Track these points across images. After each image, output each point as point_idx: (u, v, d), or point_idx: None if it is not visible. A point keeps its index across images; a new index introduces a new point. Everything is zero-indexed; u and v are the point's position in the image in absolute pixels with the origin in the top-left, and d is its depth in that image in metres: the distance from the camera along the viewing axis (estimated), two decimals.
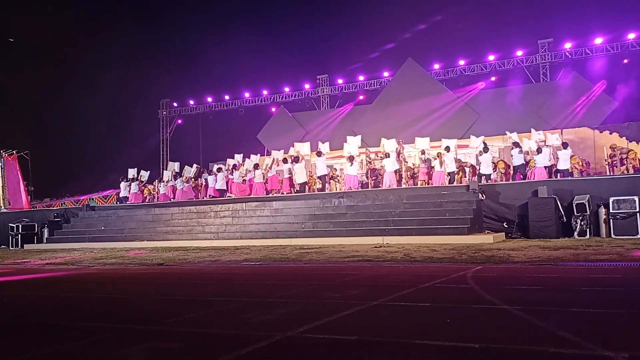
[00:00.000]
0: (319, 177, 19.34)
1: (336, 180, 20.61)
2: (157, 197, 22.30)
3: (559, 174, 16.43)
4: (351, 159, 18.56)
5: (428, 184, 17.71)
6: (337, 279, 8.23)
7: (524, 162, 17.15)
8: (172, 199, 21.51)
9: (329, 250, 12.89)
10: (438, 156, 17.71)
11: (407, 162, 19.56)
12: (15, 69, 30.61)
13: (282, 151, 21.73)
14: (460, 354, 3.71)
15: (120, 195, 23.14)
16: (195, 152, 34.03)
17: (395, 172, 18.28)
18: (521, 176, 17.03)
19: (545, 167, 16.58)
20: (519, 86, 26.37)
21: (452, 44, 29.17)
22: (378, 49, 29.95)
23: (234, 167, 21.22)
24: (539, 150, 16.72)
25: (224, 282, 8.95)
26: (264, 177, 20.30)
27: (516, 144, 17.68)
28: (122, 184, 22.75)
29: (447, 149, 17.83)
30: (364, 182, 19.64)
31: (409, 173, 19.08)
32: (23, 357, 4.05)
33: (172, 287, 8.46)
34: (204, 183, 21.85)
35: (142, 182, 22.80)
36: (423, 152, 18.89)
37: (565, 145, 16.79)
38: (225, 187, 20.75)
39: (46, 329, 5.27)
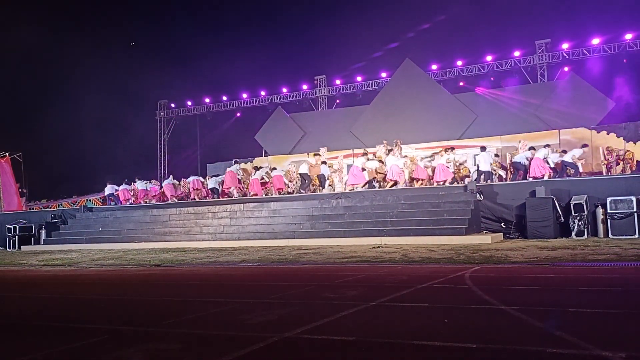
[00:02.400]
0: (318, 177, 19.43)
1: (336, 176, 20.69)
2: (137, 194, 22.52)
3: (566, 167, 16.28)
4: (390, 151, 18.72)
5: (431, 184, 17.62)
6: (335, 279, 8.22)
7: (526, 162, 17.03)
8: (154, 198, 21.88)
9: (327, 251, 12.88)
10: (441, 154, 17.80)
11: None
12: (12, 70, 30.55)
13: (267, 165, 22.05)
14: (458, 354, 3.71)
15: (106, 193, 23.28)
16: (193, 153, 34.03)
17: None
18: (522, 174, 16.92)
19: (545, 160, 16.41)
20: (517, 87, 26.42)
21: (449, 44, 29.23)
22: (376, 50, 29.97)
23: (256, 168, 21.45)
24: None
25: (222, 283, 8.94)
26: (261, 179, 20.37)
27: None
28: (110, 186, 23.01)
29: (452, 149, 17.92)
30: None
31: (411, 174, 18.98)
32: None
33: (170, 289, 8.45)
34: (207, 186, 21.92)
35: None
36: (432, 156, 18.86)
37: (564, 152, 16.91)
38: (217, 186, 20.94)
39: (43, 330, 5.25)
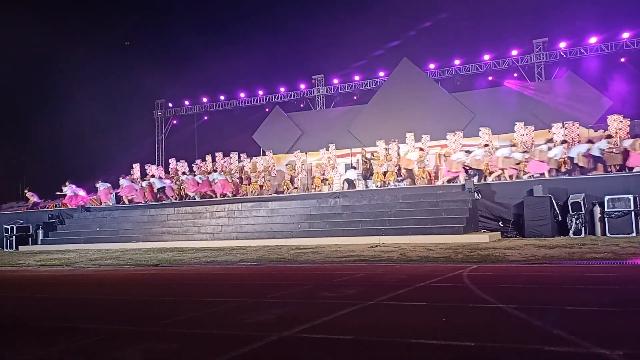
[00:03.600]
0: (346, 180, 19.45)
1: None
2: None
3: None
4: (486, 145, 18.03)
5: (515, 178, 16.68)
6: (333, 278, 8.23)
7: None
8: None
9: (325, 250, 12.88)
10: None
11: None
12: (10, 70, 30.41)
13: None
14: (456, 352, 3.71)
15: (33, 201, 23.83)
16: (191, 153, 33.97)
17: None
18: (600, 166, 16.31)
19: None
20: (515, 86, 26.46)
21: (447, 43, 29.23)
22: (374, 49, 29.96)
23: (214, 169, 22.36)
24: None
25: (220, 283, 8.93)
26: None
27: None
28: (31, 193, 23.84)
29: (550, 140, 17.44)
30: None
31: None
32: None
33: (168, 288, 8.44)
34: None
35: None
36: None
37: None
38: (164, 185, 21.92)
39: (40, 330, 5.24)
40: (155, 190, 21.92)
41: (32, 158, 32.85)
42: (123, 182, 22.17)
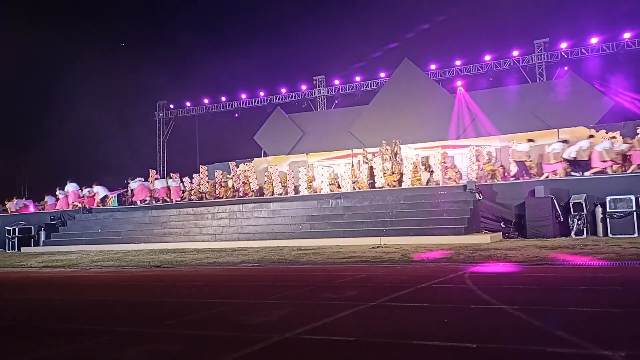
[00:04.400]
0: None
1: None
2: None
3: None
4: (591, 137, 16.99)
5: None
6: (335, 280, 8.23)
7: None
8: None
9: (326, 251, 12.88)
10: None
11: (401, 162, 19.44)
12: (9, 73, 30.46)
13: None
14: (458, 354, 3.71)
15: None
16: (192, 154, 34.02)
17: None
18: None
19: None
20: (515, 86, 26.44)
21: (448, 44, 29.18)
22: (375, 50, 29.92)
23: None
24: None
25: (222, 284, 8.94)
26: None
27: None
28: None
29: None
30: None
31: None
32: None
33: (169, 289, 8.45)
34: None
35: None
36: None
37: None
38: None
39: (42, 332, 5.25)
40: (98, 199, 22.61)
41: (33, 160, 32.86)
42: (69, 187, 22.67)
